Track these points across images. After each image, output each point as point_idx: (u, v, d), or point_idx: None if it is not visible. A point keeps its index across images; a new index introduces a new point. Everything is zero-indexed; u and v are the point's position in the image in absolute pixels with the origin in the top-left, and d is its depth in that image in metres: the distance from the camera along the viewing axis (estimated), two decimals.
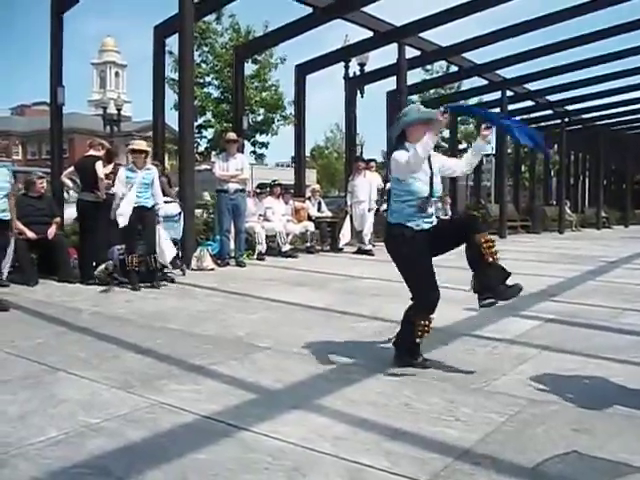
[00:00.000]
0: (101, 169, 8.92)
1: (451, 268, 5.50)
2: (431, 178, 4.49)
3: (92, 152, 9.27)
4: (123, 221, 7.98)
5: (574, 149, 31.98)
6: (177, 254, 9.60)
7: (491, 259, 4.41)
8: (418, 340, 4.54)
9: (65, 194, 11.60)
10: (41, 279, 8.51)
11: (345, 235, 14.03)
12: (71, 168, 9.51)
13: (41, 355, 4.79)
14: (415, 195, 4.42)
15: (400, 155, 4.39)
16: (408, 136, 4.51)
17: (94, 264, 8.74)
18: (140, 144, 8.63)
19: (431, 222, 4.54)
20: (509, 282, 4.44)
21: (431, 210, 4.54)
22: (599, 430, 3.29)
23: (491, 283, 4.45)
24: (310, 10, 14.49)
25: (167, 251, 8.60)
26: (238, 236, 11.23)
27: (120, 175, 8.30)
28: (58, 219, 9.45)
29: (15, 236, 7.56)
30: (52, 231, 8.90)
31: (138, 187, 8.19)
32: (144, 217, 8.25)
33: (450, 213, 19.04)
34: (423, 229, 4.47)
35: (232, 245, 11.28)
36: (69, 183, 9.57)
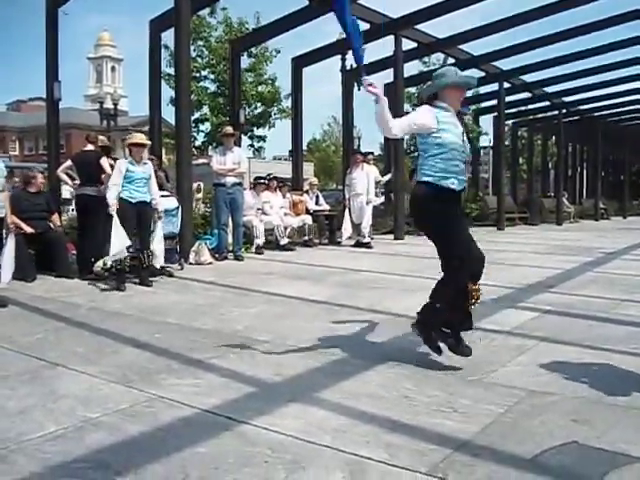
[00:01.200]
0: (107, 165, 8.89)
1: None
2: (463, 134, 4.41)
3: (90, 147, 9.24)
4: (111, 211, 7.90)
5: (572, 141, 32.00)
6: (175, 248, 9.59)
7: (472, 307, 4.35)
8: (472, 308, 4.35)
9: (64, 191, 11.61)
10: (39, 275, 8.50)
11: (347, 229, 14.00)
12: (68, 162, 9.45)
13: (40, 350, 4.79)
14: (447, 147, 4.29)
15: (411, 115, 4.39)
16: (442, 97, 4.40)
17: (92, 259, 8.72)
18: (140, 137, 8.52)
19: (464, 181, 4.41)
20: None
21: (463, 167, 4.42)
22: (598, 421, 3.30)
23: (453, 324, 4.36)
24: (306, 2, 14.46)
25: (160, 255, 8.50)
26: (236, 230, 11.22)
27: (120, 166, 8.14)
28: (56, 215, 9.45)
29: (14, 232, 7.48)
30: (56, 218, 9.02)
31: (138, 182, 8.12)
32: (143, 212, 8.18)
33: None
34: (456, 190, 4.33)
35: (230, 239, 11.27)
36: (66, 178, 9.53)
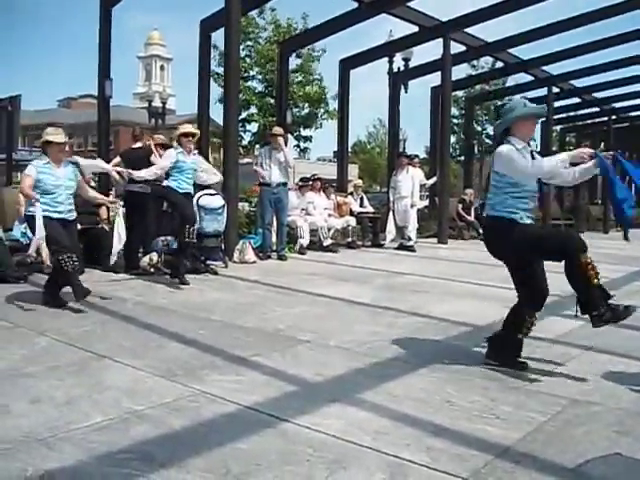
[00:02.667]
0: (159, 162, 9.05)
1: (496, 267, 5.45)
2: None
3: (139, 144, 9.37)
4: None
5: (621, 147, 31.37)
6: (219, 247, 9.68)
7: (596, 280, 4.34)
8: (521, 336, 4.47)
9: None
10: (86, 268, 8.64)
11: (391, 231, 13.97)
12: (117, 159, 9.59)
13: (87, 343, 4.89)
14: (520, 187, 4.36)
15: (512, 154, 4.32)
16: (514, 131, 4.46)
17: (140, 255, 8.86)
18: (189, 127, 8.60)
19: (532, 217, 4.48)
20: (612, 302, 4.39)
21: (532, 205, 4.48)
22: None
23: (596, 303, 4.37)
24: (355, 5, 14.48)
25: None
26: (280, 230, 11.28)
27: (171, 155, 8.20)
28: (104, 209, 9.63)
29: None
30: (104, 213, 9.40)
31: (187, 172, 8.21)
32: (190, 200, 8.31)
33: None
34: (526, 224, 4.40)
35: (274, 238, 11.34)
36: (115, 175, 9.68)
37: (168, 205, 8.88)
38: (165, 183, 8.23)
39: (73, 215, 6.60)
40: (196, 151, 8.59)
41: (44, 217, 6.14)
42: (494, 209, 4.44)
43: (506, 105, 4.76)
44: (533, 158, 4.41)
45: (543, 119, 23.53)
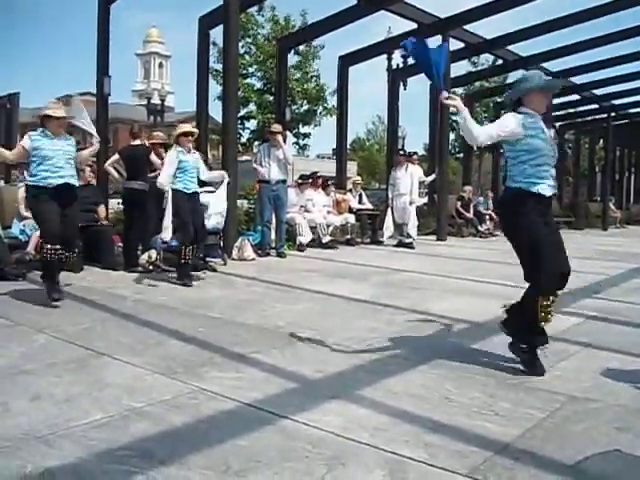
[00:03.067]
0: (158, 160, 9.03)
1: (496, 263, 5.45)
2: (550, 138, 4.38)
3: (138, 141, 9.35)
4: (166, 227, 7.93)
5: (620, 144, 31.40)
6: (218, 244, 9.68)
7: (542, 323, 4.29)
8: (542, 324, 4.29)
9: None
10: (85, 266, 8.65)
11: (388, 228, 13.99)
12: (116, 156, 9.56)
13: (86, 340, 4.89)
14: (536, 153, 4.26)
15: (505, 118, 4.32)
16: (526, 101, 4.38)
17: (138, 252, 8.86)
18: (187, 127, 8.50)
19: (554, 187, 4.36)
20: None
21: (553, 171, 4.36)
22: None
23: (523, 338, 4.37)
24: (354, 2, 14.47)
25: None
26: (279, 227, 11.28)
27: (172, 156, 8.08)
28: (102, 207, 9.63)
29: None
30: (102, 211, 9.20)
31: (191, 171, 8.11)
32: (195, 203, 8.19)
33: (491, 208, 18.85)
34: (546, 195, 4.27)
35: (273, 236, 11.34)
36: (114, 172, 9.66)
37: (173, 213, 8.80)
38: (171, 187, 8.05)
39: (76, 181, 6.60)
40: (196, 151, 8.50)
41: (42, 190, 6.23)
42: (513, 180, 4.31)
43: (521, 75, 4.71)
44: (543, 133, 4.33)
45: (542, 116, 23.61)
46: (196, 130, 8.68)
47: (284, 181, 11.40)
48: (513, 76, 25.73)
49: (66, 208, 6.40)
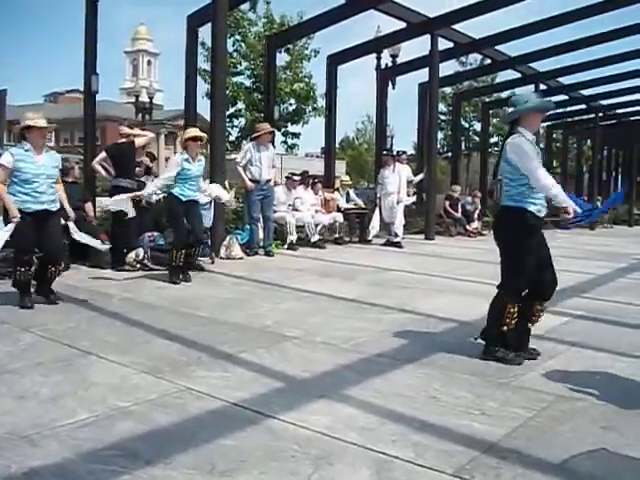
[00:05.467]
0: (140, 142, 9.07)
1: (480, 262, 5.46)
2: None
3: (124, 140, 9.31)
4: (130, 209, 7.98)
5: (608, 144, 31.57)
6: (206, 242, 9.65)
7: (505, 328, 4.55)
8: (506, 328, 4.54)
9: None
10: (72, 264, 8.60)
11: (374, 227, 14.01)
12: (103, 154, 9.49)
13: (73, 339, 4.87)
14: None
15: (526, 146, 4.46)
16: (524, 122, 4.56)
17: (125, 251, 8.82)
18: (196, 131, 8.29)
19: (546, 210, 4.59)
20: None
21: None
22: (628, 429, 3.27)
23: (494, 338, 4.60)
24: (343, 1, 14.46)
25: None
26: (267, 225, 11.26)
27: (176, 162, 7.94)
28: (90, 205, 9.57)
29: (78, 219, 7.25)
30: (90, 209, 9.13)
31: (192, 180, 7.97)
32: (191, 207, 8.05)
33: (480, 207, 18.90)
34: (540, 217, 4.54)
35: (261, 234, 11.32)
36: (101, 170, 9.59)
37: (167, 216, 8.75)
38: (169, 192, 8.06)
39: (56, 205, 6.30)
40: (201, 157, 8.33)
41: (22, 211, 5.97)
42: (513, 199, 4.52)
43: (516, 95, 4.91)
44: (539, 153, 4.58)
45: None
46: (205, 135, 8.47)
47: (270, 180, 11.38)
48: (501, 76, 25.88)
49: (46, 227, 6.15)
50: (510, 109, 4.81)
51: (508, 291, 4.56)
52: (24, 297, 6.18)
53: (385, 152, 15.56)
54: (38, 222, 6.10)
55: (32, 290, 6.33)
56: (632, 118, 27.56)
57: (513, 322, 4.54)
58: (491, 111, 26.88)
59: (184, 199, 7.91)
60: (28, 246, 6.13)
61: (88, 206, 9.61)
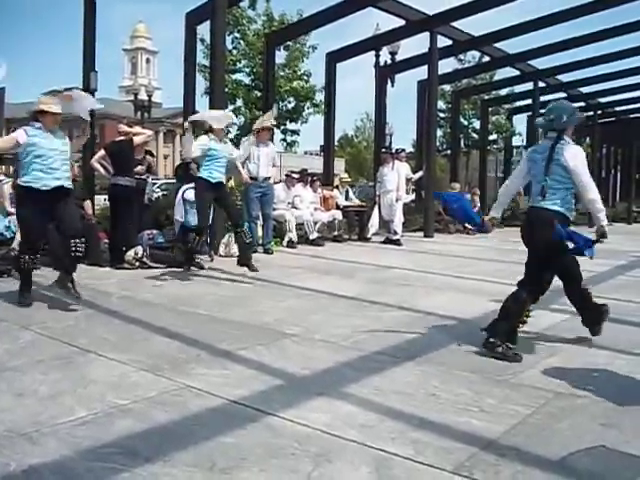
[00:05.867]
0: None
1: (480, 260, 5.46)
2: None
3: (123, 137, 9.29)
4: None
5: (606, 142, 31.58)
6: (205, 240, 9.65)
7: (519, 325, 4.77)
8: (521, 326, 4.75)
9: None
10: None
11: (374, 225, 14.02)
12: (101, 152, 9.47)
13: (72, 337, 4.87)
14: (575, 186, 4.77)
15: (583, 158, 4.77)
16: (567, 132, 4.84)
17: (124, 248, 8.81)
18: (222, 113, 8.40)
19: None
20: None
21: None
22: (627, 425, 3.27)
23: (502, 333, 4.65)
24: None
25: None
26: (265, 223, 11.25)
27: (202, 140, 7.89)
28: (88, 203, 9.57)
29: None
30: (88, 207, 9.14)
31: (220, 160, 7.90)
32: (221, 191, 8.02)
33: (479, 205, 18.93)
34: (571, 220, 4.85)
35: (260, 232, 11.31)
36: (100, 168, 9.57)
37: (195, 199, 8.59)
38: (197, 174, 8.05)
39: (70, 183, 6.22)
40: (228, 142, 8.35)
41: (34, 192, 5.85)
42: (556, 203, 4.72)
43: (562, 103, 5.10)
44: None
45: (529, 113, 23.73)
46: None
47: (269, 178, 11.36)
48: (501, 73, 25.85)
49: (62, 207, 6.02)
50: (553, 116, 4.85)
51: (536, 292, 4.80)
52: (23, 293, 6.16)
53: (384, 150, 15.54)
54: (54, 201, 5.97)
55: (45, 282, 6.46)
56: (631, 116, 27.58)
57: (526, 319, 4.76)
58: (490, 108, 26.86)
59: (213, 181, 7.81)
60: (37, 234, 6.10)
61: (87, 204, 9.62)
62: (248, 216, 11.24)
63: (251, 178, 11.11)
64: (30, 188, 5.89)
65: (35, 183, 5.89)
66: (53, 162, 5.97)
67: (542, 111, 5.21)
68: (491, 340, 4.57)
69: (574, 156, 4.67)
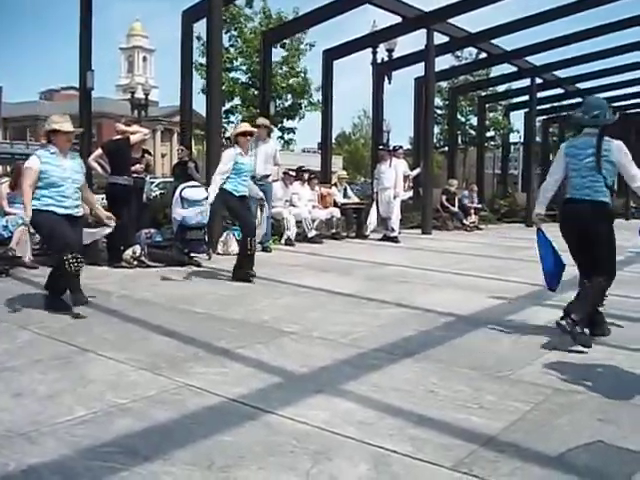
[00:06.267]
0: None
1: (478, 256, 5.46)
2: None
3: (120, 136, 9.27)
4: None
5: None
6: (203, 239, 9.64)
7: (599, 307, 5.20)
8: (600, 309, 5.18)
9: None
10: None
11: (372, 222, 14.02)
12: (99, 151, 9.44)
13: (70, 336, 4.86)
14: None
15: (635, 167, 5.08)
16: (606, 131, 5.17)
17: (122, 248, 8.80)
18: (247, 125, 8.38)
19: None
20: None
21: None
22: (624, 421, 3.28)
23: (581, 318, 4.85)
24: None
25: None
26: (264, 221, 11.21)
27: (230, 155, 7.88)
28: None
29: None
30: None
31: (245, 174, 7.97)
32: (243, 204, 8.07)
33: (476, 201, 18.94)
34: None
35: (258, 230, 11.28)
36: (97, 167, 9.55)
37: (227, 210, 8.79)
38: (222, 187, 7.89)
39: (80, 211, 6.08)
40: (251, 152, 8.34)
41: (48, 211, 5.71)
42: (604, 195, 5.09)
43: (600, 102, 5.54)
44: None
45: (526, 109, 23.73)
46: (254, 130, 8.55)
47: (267, 176, 11.34)
48: (498, 70, 25.84)
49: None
50: (597, 112, 5.22)
51: (611, 276, 5.17)
52: (76, 296, 5.86)
53: (381, 147, 15.54)
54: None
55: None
56: (628, 111, 27.55)
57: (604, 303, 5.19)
58: (487, 105, 26.86)
59: (237, 194, 7.85)
60: (70, 233, 5.79)
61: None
62: None
63: None
64: (40, 210, 5.74)
65: (44, 208, 5.74)
66: (64, 190, 5.80)
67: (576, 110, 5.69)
68: (570, 319, 4.77)
69: (620, 151, 5.02)
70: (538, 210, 5.63)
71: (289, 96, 22.35)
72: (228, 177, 7.80)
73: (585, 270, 5.19)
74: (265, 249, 10.96)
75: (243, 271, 7.82)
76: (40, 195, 5.76)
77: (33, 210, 5.72)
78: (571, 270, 5.92)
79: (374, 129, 20.26)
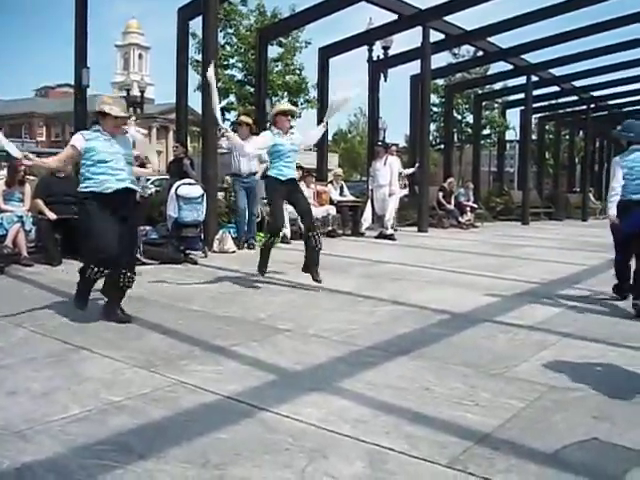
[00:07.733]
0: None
1: (473, 254, 5.46)
2: None
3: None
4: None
5: (599, 136, 31.64)
6: (199, 236, 9.63)
7: None
8: None
9: None
10: (64, 259, 8.57)
11: (367, 219, 14.02)
12: None
13: (65, 334, 4.85)
14: None
15: None
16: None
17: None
18: (287, 105, 8.09)
19: None
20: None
21: None
22: (619, 418, 3.28)
23: None
24: None
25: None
26: (249, 219, 11.19)
27: (267, 136, 7.31)
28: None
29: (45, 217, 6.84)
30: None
31: (287, 156, 7.25)
32: (293, 190, 7.40)
33: (473, 198, 18.95)
34: None
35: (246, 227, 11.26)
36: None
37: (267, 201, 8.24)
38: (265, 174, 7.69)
39: (136, 186, 5.67)
40: (294, 131, 7.54)
41: (97, 196, 5.22)
42: (633, 192, 6.37)
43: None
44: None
45: (522, 107, 23.74)
46: (294, 108, 8.10)
47: (254, 173, 11.29)
48: (494, 67, 25.87)
49: (124, 219, 5.36)
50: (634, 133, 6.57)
51: None
52: (80, 298, 5.54)
53: (379, 144, 15.54)
54: (116, 209, 5.30)
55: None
56: (624, 109, 27.60)
57: None
58: (483, 103, 26.87)
59: (284, 179, 7.22)
60: (108, 239, 5.20)
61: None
62: (235, 211, 11.25)
63: (235, 174, 11.09)
64: (92, 193, 5.27)
65: (98, 187, 5.26)
66: (116, 163, 5.32)
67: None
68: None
69: None
70: (612, 212, 6.70)
71: (285, 94, 22.35)
72: (270, 163, 7.37)
73: None
74: (249, 246, 10.91)
75: (310, 272, 7.30)
76: (91, 174, 5.28)
77: (86, 192, 5.29)
78: (571, 270, 5.97)
79: (370, 127, 20.25)
